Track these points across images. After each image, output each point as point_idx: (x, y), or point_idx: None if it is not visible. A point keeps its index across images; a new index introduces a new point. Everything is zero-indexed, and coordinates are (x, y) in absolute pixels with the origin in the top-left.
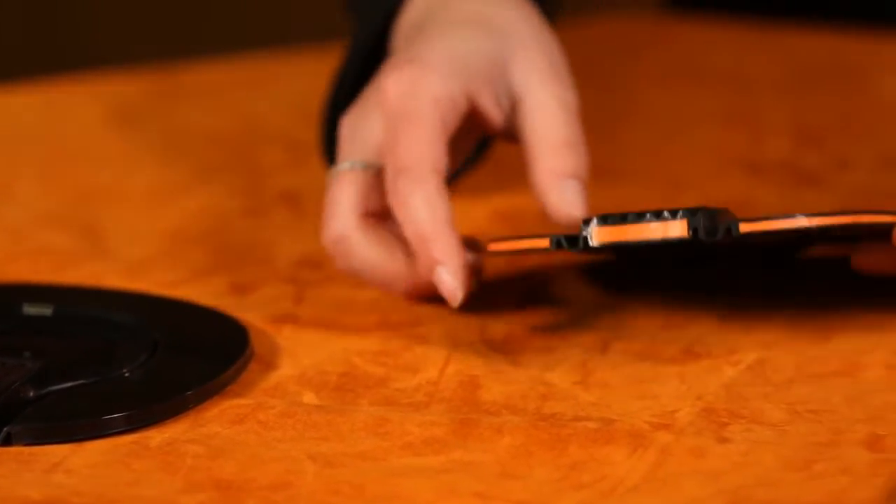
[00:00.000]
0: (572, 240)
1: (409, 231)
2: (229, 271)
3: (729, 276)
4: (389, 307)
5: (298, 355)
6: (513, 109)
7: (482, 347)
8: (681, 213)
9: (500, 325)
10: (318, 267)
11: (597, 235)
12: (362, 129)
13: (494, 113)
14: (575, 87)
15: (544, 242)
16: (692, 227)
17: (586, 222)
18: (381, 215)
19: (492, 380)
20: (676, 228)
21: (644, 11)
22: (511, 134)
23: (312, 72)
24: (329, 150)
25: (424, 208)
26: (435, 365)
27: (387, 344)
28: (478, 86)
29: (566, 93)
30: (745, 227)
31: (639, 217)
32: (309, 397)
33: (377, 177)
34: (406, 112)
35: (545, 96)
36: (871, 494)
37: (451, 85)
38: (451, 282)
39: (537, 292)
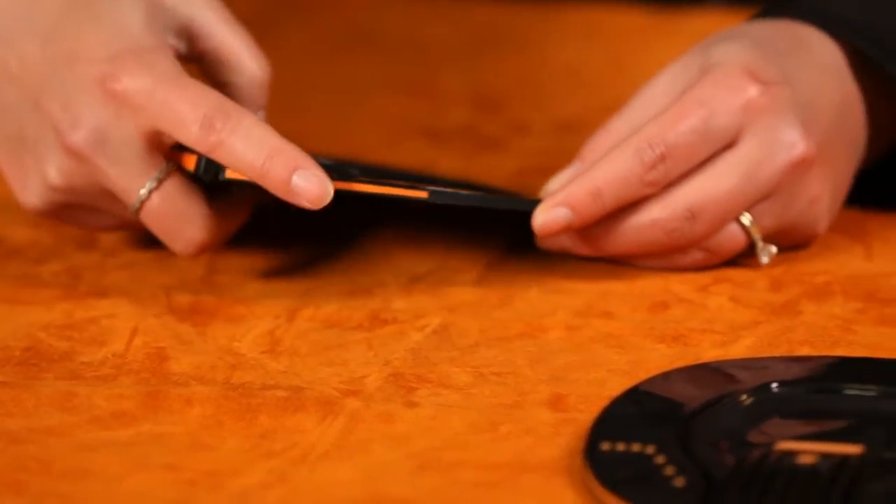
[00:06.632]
0: (211, 166)
1: (251, 158)
2: None
3: (410, 240)
4: (73, 280)
5: None
6: (189, 43)
7: (169, 319)
8: None
9: (185, 296)
10: None
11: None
12: (120, 143)
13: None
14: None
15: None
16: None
17: None
18: None
19: (179, 351)
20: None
21: None
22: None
23: None
24: None
25: (259, 128)
26: (121, 337)
27: (71, 317)
28: (165, 39)
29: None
30: (230, 174)
31: None
32: None
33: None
34: (166, 87)
35: (210, 15)
36: (554, 453)
37: (160, 51)
38: (314, 179)
39: (219, 262)
